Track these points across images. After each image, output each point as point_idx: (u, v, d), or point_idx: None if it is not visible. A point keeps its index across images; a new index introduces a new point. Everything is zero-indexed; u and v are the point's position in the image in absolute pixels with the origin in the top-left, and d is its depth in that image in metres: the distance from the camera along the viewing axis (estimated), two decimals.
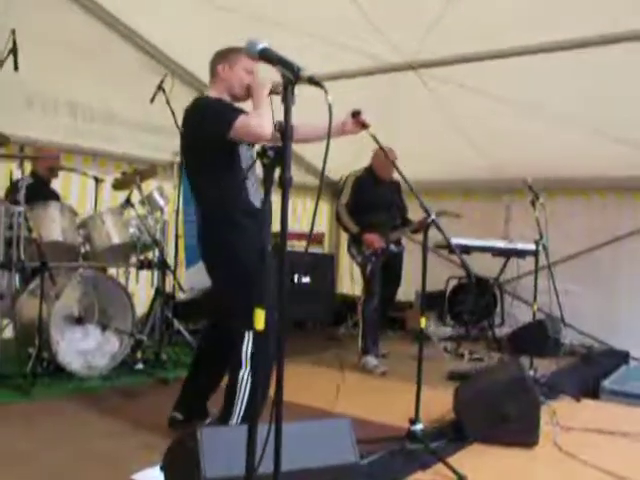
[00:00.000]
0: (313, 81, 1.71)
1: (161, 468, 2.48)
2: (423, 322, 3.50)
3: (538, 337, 6.07)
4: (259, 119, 2.97)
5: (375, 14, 5.33)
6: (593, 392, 5.06)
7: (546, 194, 6.83)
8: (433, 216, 3.34)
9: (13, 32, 4.27)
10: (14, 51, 4.27)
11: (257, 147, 3.27)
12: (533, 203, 4.92)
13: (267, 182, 1.66)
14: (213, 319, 3.60)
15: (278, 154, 1.60)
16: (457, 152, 7.09)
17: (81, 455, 3.07)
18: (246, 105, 3.26)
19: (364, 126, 3.32)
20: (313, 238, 7.86)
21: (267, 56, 1.78)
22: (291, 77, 1.69)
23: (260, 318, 1.64)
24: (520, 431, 3.46)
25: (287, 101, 1.63)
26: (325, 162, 1.70)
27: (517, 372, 3.61)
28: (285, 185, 1.59)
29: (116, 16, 6.37)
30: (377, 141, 3.22)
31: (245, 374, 3.08)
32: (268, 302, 2.92)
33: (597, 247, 7.06)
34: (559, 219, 6.97)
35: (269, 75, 2.46)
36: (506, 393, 3.49)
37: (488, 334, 6.74)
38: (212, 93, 3.31)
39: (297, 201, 8.77)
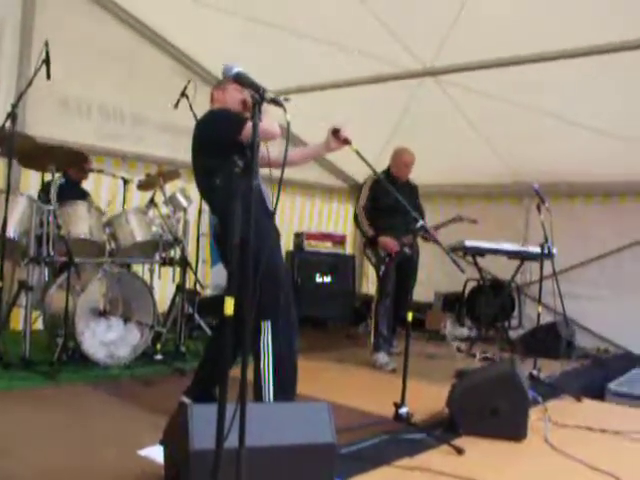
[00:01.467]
0: (275, 101, 1.93)
1: (160, 443, 2.73)
2: (410, 316, 3.91)
3: (550, 339, 6.21)
4: (269, 120, 3.12)
5: (393, 22, 5.51)
6: (601, 394, 5.17)
7: (565, 198, 6.97)
8: (421, 222, 3.50)
9: (46, 44, 4.56)
10: (47, 62, 4.56)
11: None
12: (539, 207, 5.05)
13: (237, 186, 1.87)
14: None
15: (246, 164, 1.82)
16: (477, 157, 7.23)
17: (97, 434, 3.34)
18: None
19: (346, 142, 3.36)
20: (336, 239, 8.05)
21: (240, 79, 2.02)
22: (258, 98, 1.92)
23: (229, 306, 1.86)
24: (509, 425, 3.60)
25: (255, 118, 1.85)
26: (282, 174, 1.92)
27: (508, 369, 3.78)
28: (253, 192, 1.82)
29: (144, 22, 6.68)
30: (361, 156, 3.23)
31: (266, 364, 3.25)
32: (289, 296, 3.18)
33: (617, 251, 7.10)
34: (579, 222, 7.08)
35: None
36: (496, 388, 3.65)
37: (503, 335, 6.86)
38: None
39: (323, 204, 8.99)
